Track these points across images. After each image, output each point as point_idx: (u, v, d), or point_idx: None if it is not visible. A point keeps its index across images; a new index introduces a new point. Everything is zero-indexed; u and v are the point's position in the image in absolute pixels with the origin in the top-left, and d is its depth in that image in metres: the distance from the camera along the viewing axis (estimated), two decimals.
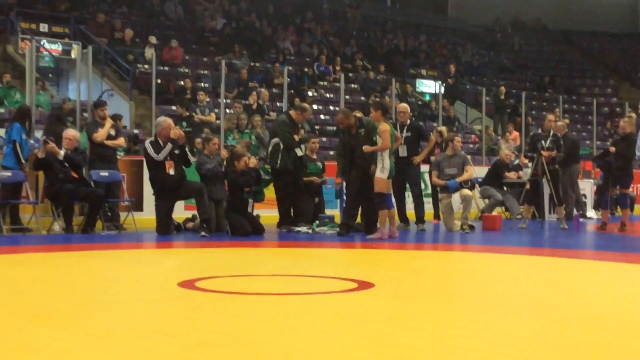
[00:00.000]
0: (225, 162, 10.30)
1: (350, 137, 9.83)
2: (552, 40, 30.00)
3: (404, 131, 10.79)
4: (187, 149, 9.86)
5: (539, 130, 11.31)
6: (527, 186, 12.02)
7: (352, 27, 24.44)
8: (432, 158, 11.54)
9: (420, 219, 10.85)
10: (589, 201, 14.82)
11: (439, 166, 10.81)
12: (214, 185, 10.16)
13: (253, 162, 9.95)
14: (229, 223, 9.71)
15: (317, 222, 10.33)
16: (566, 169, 12.85)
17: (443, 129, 12.61)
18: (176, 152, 9.61)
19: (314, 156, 11.18)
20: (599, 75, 28.22)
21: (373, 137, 9.46)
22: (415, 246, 9.04)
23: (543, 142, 10.94)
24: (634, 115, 11.39)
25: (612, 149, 10.86)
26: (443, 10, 30.96)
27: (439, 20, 29.12)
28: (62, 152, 9.59)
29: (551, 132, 11.04)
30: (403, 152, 10.72)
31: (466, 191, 10.55)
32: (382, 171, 9.20)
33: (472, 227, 10.56)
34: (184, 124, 13.51)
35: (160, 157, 9.57)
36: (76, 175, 9.64)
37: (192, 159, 9.95)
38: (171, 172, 9.55)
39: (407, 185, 11.02)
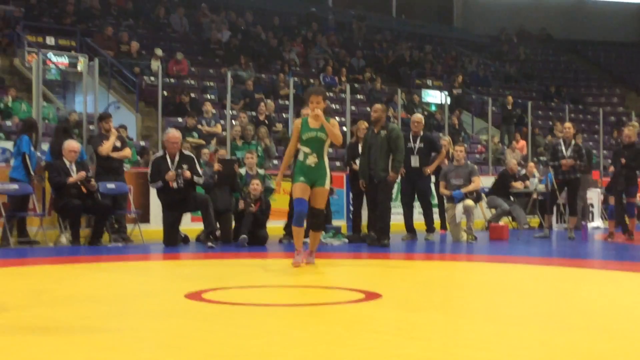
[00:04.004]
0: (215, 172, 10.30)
1: (372, 134, 9.89)
2: (558, 50, 30.00)
3: (417, 142, 10.86)
4: (197, 162, 9.91)
5: (560, 140, 11.33)
6: (534, 195, 11.99)
7: (358, 38, 24.50)
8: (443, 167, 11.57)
9: (430, 228, 10.96)
10: (597, 210, 14.77)
11: (446, 176, 10.82)
12: (219, 196, 10.19)
13: (256, 187, 9.94)
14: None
15: (323, 233, 10.32)
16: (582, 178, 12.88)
17: (447, 139, 12.62)
18: (184, 166, 9.66)
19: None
20: (605, 84, 28.19)
21: (393, 145, 9.63)
22: (422, 256, 9.01)
23: (563, 150, 10.97)
24: (636, 124, 11.36)
25: (623, 160, 10.80)
26: (448, 20, 31.01)
27: (444, 31, 29.16)
28: (92, 183, 9.71)
29: (572, 142, 11.07)
30: (415, 162, 10.79)
31: (468, 202, 10.52)
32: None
33: (475, 238, 10.53)
34: (195, 134, 13.55)
35: (153, 187, 9.71)
36: (84, 190, 9.68)
37: (202, 171, 9.99)
38: (174, 185, 9.58)
39: (416, 196, 11.07)
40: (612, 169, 10.80)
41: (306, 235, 7.65)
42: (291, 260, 7.11)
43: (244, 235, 9.61)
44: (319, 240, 7.53)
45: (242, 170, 10.64)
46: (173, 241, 9.67)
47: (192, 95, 15.60)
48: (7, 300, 4.77)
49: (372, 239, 9.92)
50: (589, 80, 28.60)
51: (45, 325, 4.09)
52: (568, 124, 11.35)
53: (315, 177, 7.05)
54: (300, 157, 7.11)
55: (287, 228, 10.45)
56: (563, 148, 10.97)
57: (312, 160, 7.03)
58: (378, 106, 10.17)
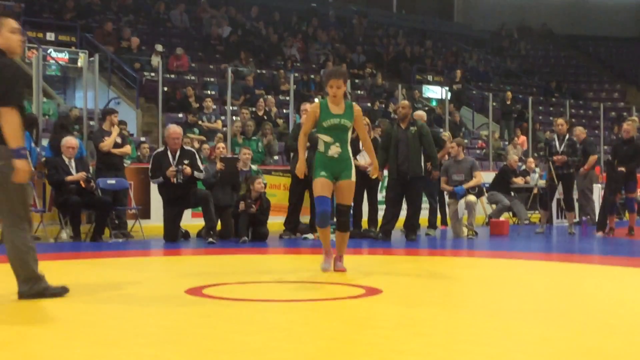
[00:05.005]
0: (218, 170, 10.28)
1: (398, 129, 9.90)
2: (559, 45, 29.97)
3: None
4: (199, 158, 9.91)
5: (554, 135, 11.29)
6: (535, 191, 11.98)
7: (358, 33, 24.48)
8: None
9: (432, 224, 10.98)
10: (597, 206, 14.76)
11: (447, 172, 10.80)
12: (220, 193, 10.19)
13: (261, 185, 9.93)
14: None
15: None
16: (586, 174, 12.89)
17: (447, 134, 12.61)
18: (185, 161, 9.67)
19: None
20: (605, 80, 28.16)
21: (425, 142, 9.83)
22: (423, 252, 9.01)
23: (557, 146, 10.92)
24: (636, 119, 11.32)
25: (617, 164, 10.72)
26: (449, 16, 30.98)
27: (444, 26, 29.12)
28: (91, 184, 9.69)
29: (566, 137, 11.00)
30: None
31: (471, 197, 10.51)
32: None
33: (475, 234, 10.53)
34: (196, 130, 13.54)
35: (154, 182, 9.71)
36: (83, 185, 9.68)
37: (203, 167, 9.99)
38: (175, 181, 9.59)
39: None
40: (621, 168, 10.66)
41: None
42: (290, 257, 7.09)
43: (245, 238, 9.61)
44: (347, 241, 6.49)
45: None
46: (174, 237, 9.67)
47: (191, 91, 15.55)
48: (8, 294, 4.77)
49: (375, 233, 9.98)
50: (590, 75, 28.57)
51: (46, 320, 4.10)
52: (560, 120, 11.26)
53: (339, 170, 6.18)
54: (321, 147, 6.21)
55: (288, 224, 10.46)
56: (557, 144, 10.95)
57: (335, 150, 6.15)
58: (405, 103, 10.34)
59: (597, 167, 15.47)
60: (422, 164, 9.97)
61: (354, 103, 6.34)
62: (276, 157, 13.40)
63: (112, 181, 10.13)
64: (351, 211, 7.28)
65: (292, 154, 10.59)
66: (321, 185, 6.17)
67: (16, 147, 4.57)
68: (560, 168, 10.82)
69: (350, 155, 6.27)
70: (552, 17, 30.48)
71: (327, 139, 6.16)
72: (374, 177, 6.58)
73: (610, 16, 30.79)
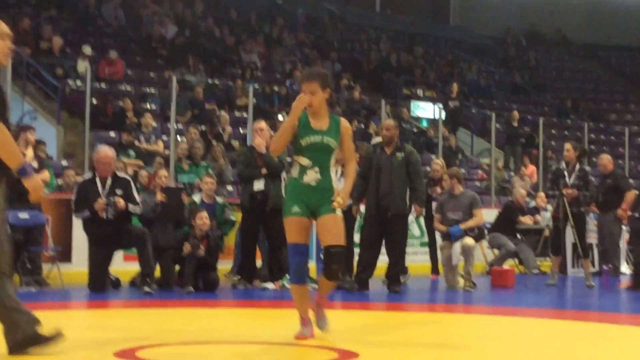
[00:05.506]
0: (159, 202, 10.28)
1: (382, 155, 9.97)
2: (575, 56, 30.39)
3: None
4: (135, 188, 9.88)
5: (562, 164, 11.35)
6: (546, 233, 12.07)
7: (333, 36, 24.68)
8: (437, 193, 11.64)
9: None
10: (621, 252, 14.92)
11: (442, 209, 10.84)
12: (161, 231, 10.17)
13: (205, 221, 9.91)
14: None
15: (287, 275, 10.31)
16: (610, 213, 12.89)
17: (440, 162, 12.69)
18: (118, 192, 9.63)
19: None
20: (631, 98, 28.56)
21: (412, 171, 9.86)
22: (409, 307, 9.03)
23: (567, 178, 10.96)
24: None
25: None
26: (444, 17, 31.32)
27: (438, 30, 29.47)
28: None
29: (577, 167, 11.05)
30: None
31: (468, 240, 10.53)
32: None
33: (473, 285, 10.58)
34: (132, 153, 13.51)
35: (78, 217, 9.67)
36: None
37: (140, 199, 9.96)
38: (105, 215, 9.54)
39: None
40: None
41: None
42: (245, 311, 7.07)
43: (190, 287, 9.57)
44: (331, 288, 6.13)
45: (197, 198, 10.61)
46: (101, 285, 9.59)
47: (127, 103, 15.53)
48: None
49: (350, 283, 9.98)
50: (612, 93, 28.98)
51: None
52: (567, 145, 11.28)
53: (317, 202, 5.79)
54: (295, 172, 5.90)
55: (242, 270, 10.44)
56: (566, 174, 11.01)
57: (312, 176, 5.80)
58: (390, 123, 10.32)
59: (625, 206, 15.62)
60: (408, 199, 9.98)
61: (341, 118, 6.10)
62: (230, 188, 13.41)
63: (24, 215, 10.02)
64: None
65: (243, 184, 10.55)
66: (295, 228, 5.79)
67: (19, 166, 4.89)
68: (569, 205, 10.86)
69: (334, 184, 5.88)
70: (568, 22, 30.82)
71: (305, 161, 5.82)
72: (335, 205, 5.84)
73: (637, 22, 31.26)
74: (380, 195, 9.86)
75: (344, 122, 6.02)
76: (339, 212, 5.85)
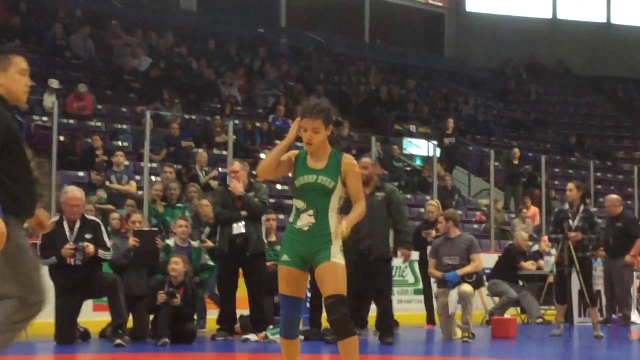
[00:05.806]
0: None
1: None
2: (579, 89, 30.50)
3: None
4: (105, 232, 9.90)
5: (566, 205, 11.40)
6: (550, 279, 12.10)
7: (319, 68, 24.80)
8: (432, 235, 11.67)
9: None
10: (633, 300, 14.96)
11: (437, 253, 10.86)
12: (133, 278, 10.17)
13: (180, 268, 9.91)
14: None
15: (271, 327, 10.31)
16: (621, 258, 12.94)
17: (435, 203, 12.74)
18: (87, 236, 9.65)
19: (273, 238, 11.28)
20: (639, 134, 28.64)
21: (395, 212, 9.87)
22: None
23: (570, 220, 11.00)
24: None
25: None
26: (438, 48, 31.43)
27: (432, 61, 29.58)
28: None
29: (581, 208, 11.10)
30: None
31: (466, 287, 10.53)
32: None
33: (472, 335, 10.59)
34: (104, 197, 13.49)
35: (44, 263, 9.67)
36: None
37: (111, 243, 9.98)
38: (73, 262, 9.55)
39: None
40: None
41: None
42: None
43: (165, 339, 9.54)
44: (352, 350, 5.62)
45: (171, 242, 10.63)
46: (69, 337, 9.56)
47: (97, 141, 15.56)
48: None
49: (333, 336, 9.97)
50: (619, 128, 29.06)
51: None
52: (571, 185, 11.30)
53: (312, 249, 5.64)
54: (291, 216, 5.76)
55: (221, 321, 10.42)
56: (570, 216, 11.06)
57: (306, 220, 5.64)
58: (367, 161, 10.21)
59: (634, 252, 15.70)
60: (390, 242, 10.00)
61: (345, 154, 5.91)
62: (207, 230, 13.38)
63: None
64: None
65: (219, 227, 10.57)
66: (284, 279, 5.63)
67: None
68: (574, 249, 10.89)
69: (331, 228, 5.72)
70: (570, 53, 30.87)
71: (300, 204, 5.66)
72: (335, 235, 5.78)
73: None
74: (360, 238, 9.83)
75: (346, 158, 5.85)
76: (337, 259, 5.72)
